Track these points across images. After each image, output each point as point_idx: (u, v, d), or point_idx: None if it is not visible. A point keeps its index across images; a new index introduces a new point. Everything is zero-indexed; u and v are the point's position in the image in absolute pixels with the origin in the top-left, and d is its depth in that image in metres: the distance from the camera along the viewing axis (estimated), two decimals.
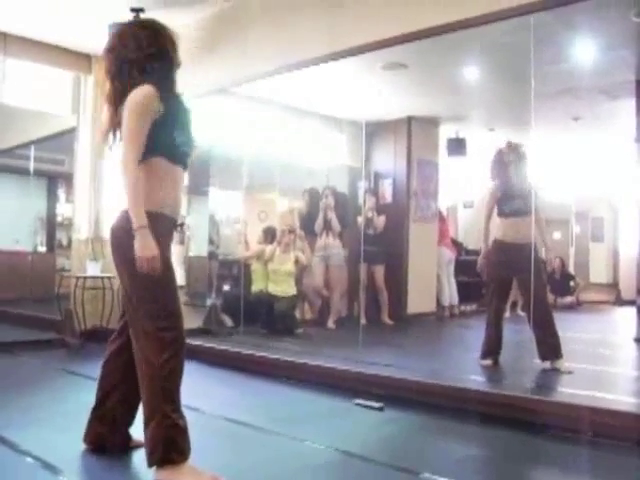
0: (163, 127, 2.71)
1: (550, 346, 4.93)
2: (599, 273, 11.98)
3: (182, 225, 2.94)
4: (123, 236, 2.66)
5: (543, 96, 5.58)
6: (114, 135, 2.86)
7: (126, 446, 3.02)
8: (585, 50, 5.67)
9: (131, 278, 2.70)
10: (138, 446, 2.98)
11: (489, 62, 6.21)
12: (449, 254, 9.06)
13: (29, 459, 2.91)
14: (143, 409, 2.69)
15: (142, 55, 2.79)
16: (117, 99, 2.78)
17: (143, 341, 2.67)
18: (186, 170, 2.89)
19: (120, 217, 2.75)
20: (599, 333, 8.15)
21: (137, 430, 2.96)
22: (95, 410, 3.00)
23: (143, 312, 2.67)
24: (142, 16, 5.35)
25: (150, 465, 2.61)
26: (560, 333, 4.97)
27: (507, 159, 5.28)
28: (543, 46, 4.88)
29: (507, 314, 5.87)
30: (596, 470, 3.05)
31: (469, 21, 4.07)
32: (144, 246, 2.58)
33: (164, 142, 2.72)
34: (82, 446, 3.00)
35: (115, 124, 2.82)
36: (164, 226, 2.73)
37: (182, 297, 7.71)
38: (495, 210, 5.32)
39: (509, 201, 5.21)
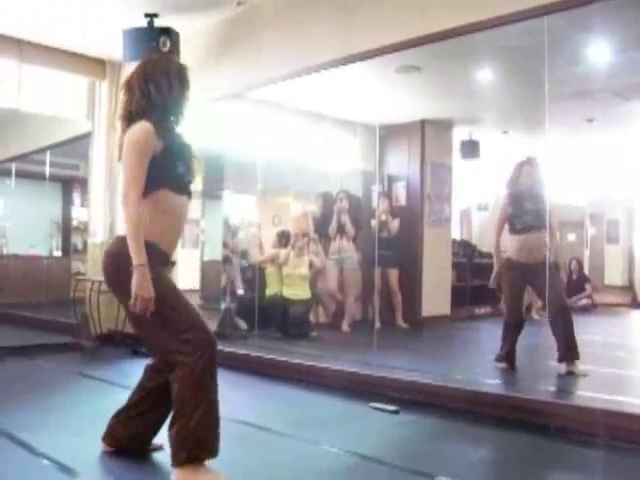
0: (164, 160, 2.76)
1: (568, 348, 4.90)
2: (614, 275, 11.91)
3: (174, 264, 2.97)
4: (127, 263, 2.66)
5: (557, 98, 5.56)
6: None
7: (143, 449, 3.03)
8: (599, 52, 5.65)
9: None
10: (155, 449, 3.00)
11: (502, 64, 6.19)
12: None
13: (45, 461, 2.94)
14: (174, 409, 2.69)
15: (165, 97, 2.85)
16: (128, 120, 2.84)
17: (174, 353, 2.68)
18: (190, 199, 2.94)
19: (120, 243, 2.76)
20: (614, 336, 8.11)
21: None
22: (121, 413, 3.01)
23: (165, 332, 2.71)
24: (156, 22, 5.40)
25: (175, 464, 2.61)
26: (576, 336, 4.94)
27: (521, 176, 5.26)
28: (557, 48, 4.86)
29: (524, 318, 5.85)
30: (613, 474, 3.04)
31: (482, 23, 4.06)
32: (142, 285, 2.61)
33: (167, 174, 2.78)
34: (98, 449, 3.02)
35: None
36: (157, 258, 2.75)
37: (197, 301, 7.75)
38: (506, 227, 5.32)
39: (520, 217, 5.19)
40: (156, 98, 2.83)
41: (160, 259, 2.78)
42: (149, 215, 2.72)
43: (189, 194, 2.91)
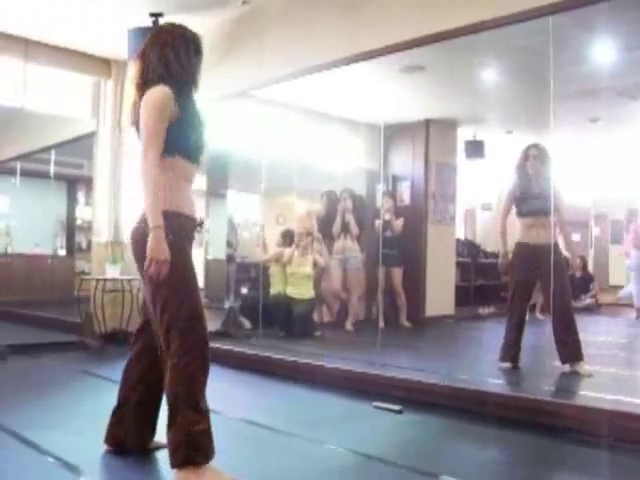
0: (179, 128, 2.74)
1: (571, 349, 4.89)
2: (619, 275, 11.88)
3: (202, 224, 2.95)
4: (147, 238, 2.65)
5: (561, 98, 5.56)
6: (136, 127, 2.86)
7: (146, 448, 3.03)
8: (603, 51, 5.64)
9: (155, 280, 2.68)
10: (158, 448, 3.01)
11: (507, 64, 6.19)
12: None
13: (50, 459, 2.95)
14: (168, 410, 2.69)
15: (183, 63, 2.83)
16: (143, 89, 2.81)
17: (166, 343, 2.68)
18: (199, 167, 2.92)
19: (143, 217, 2.73)
20: (619, 336, 8.09)
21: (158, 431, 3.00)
22: (115, 412, 3.02)
23: (167, 314, 2.68)
24: (161, 21, 5.41)
25: (173, 466, 2.62)
26: (580, 335, 4.93)
27: (527, 159, 5.26)
28: (561, 48, 4.86)
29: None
30: (618, 474, 3.03)
31: (487, 23, 4.05)
32: (156, 248, 2.57)
33: (182, 142, 2.76)
34: (102, 447, 3.02)
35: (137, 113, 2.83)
36: (184, 226, 2.75)
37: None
38: (514, 210, 5.32)
39: (527, 201, 5.19)
40: (174, 64, 2.80)
41: (188, 226, 2.79)
42: (166, 182, 2.70)
43: (199, 163, 2.90)
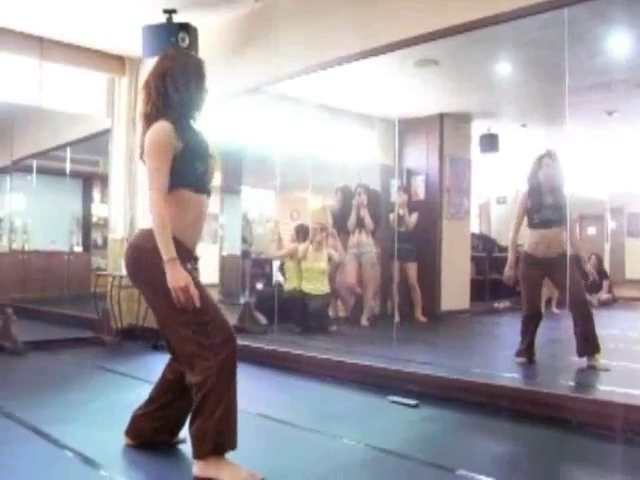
0: (184, 160, 2.76)
1: (588, 342, 4.86)
2: (635, 269, 11.80)
3: (196, 259, 2.99)
4: (147, 255, 2.71)
5: (577, 91, 5.52)
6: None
7: (167, 442, 3.05)
8: (620, 43, 5.60)
9: (156, 297, 2.74)
10: (177, 442, 3.03)
11: (522, 57, 6.16)
12: None
13: (70, 453, 2.97)
14: (196, 402, 2.69)
15: (182, 95, 2.84)
16: (148, 119, 2.84)
17: (193, 356, 2.69)
18: (210, 197, 2.95)
19: (143, 236, 2.81)
20: (635, 330, 8.04)
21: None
22: (145, 406, 3.04)
23: (178, 323, 2.71)
24: (175, 18, 5.43)
25: (197, 457, 2.63)
26: (596, 330, 4.90)
27: (540, 168, 5.22)
28: (577, 40, 4.82)
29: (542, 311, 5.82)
30: (634, 469, 3.02)
31: (501, 16, 4.04)
32: (176, 277, 2.62)
33: (187, 174, 2.78)
34: (121, 441, 3.05)
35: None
36: (180, 254, 2.73)
37: (216, 296, 7.78)
38: (525, 220, 5.29)
39: (540, 211, 5.15)
40: (174, 96, 2.82)
41: (183, 255, 2.78)
42: (171, 212, 2.72)
43: (208, 193, 2.92)
